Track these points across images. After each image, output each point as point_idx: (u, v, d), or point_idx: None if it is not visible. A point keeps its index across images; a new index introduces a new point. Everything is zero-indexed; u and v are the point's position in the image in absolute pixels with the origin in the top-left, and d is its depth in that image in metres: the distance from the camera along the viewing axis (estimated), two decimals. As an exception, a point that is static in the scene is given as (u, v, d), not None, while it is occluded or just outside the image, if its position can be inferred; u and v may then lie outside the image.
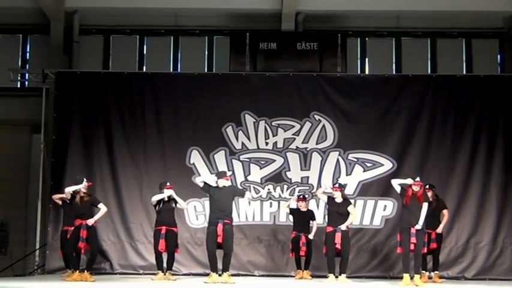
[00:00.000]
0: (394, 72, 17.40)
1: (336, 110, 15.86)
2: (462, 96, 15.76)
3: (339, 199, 13.65)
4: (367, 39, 17.81)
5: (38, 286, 12.10)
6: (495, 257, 15.36)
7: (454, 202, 15.40)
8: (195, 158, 15.79)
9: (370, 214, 15.56)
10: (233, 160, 15.77)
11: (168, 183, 13.76)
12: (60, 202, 14.24)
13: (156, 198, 13.68)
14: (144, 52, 17.87)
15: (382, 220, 15.54)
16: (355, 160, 15.70)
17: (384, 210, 15.52)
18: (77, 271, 13.12)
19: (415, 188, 12.81)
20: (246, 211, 15.51)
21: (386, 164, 15.64)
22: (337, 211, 13.54)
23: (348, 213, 13.56)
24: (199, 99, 15.91)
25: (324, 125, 15.81)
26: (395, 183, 13.21)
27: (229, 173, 13.76)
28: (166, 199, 13.67)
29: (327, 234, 13.52)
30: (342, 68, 16.37)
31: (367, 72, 17.57)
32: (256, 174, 15.72)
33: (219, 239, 12.71)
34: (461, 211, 15.45)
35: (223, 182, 12.93)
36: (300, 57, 16.42)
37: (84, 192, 13.32)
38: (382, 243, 15.46)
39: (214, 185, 12.95)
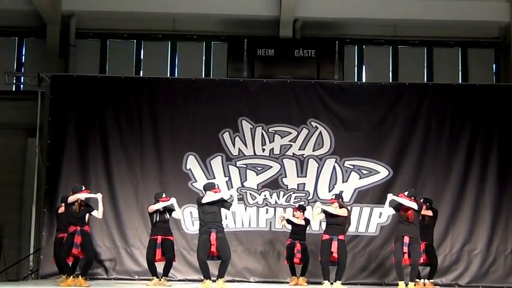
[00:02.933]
0: (390, 80, 17.49)
1: (333, 117, 15.87)
2: (458, 105, 15.82)
3: (336, 210, 13.68)
4: (364, 47, 17.90)
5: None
6: (489, 265, 15.43)
7: (448, 210, 15.49)
8: (192, 163, 15.75)
9: (366, 221, 15.57)
10: (230, 166, 15.73)
11: (164, 195, 13.76)
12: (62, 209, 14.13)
13: (154, 207, 13.67)
14: (141, 57, 17.86)
15: (377, 227, 15.56)
16: (352, 167, 15.71)
17: (380, 217, 15.52)
18: (71, 276, 13.08)
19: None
20: (242, 217, 15.48)
21: (382, 172, 15.67)
22: (335, 222, 13.56)
23: (344, 222, 13.60)
24: (196, 105, 15.88)
25: (320, 132, 15.81)
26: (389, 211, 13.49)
27: (217, 185, 13.63)
28: (161, 209, 13.66)
29: (323, 242, 13.50)
30: (339, 76, 16.43)
31: (364, 80, 17.65)
32: (253, 180, 15.68)
33: (213, 248, 12.70)
34: (455, 219, 15.50)
35: (212, 195, 12.90)
36: (298, 64, 16.48)
37: (82, 200, 13.29)
38: (377, 251, 15.48)
39: (227, 197, 13.01)
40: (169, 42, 17.89)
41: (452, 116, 15.80)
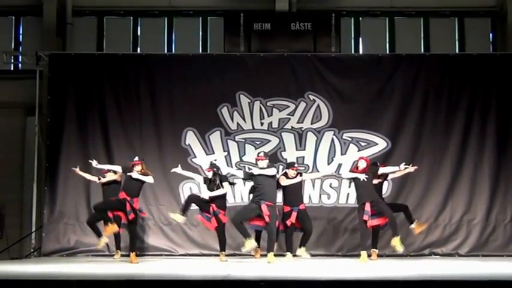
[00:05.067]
0: (387, 52, 17.42)
1: (331, 89, 15.87)
2: (455, 75, 15.79)
3: (292, 175, 13.82)
4: (360, 19, 17.78)
5: (35, 269, 12.07)
6: (488, 234, 15.48)
7: (447, 180, 15.55)
8: (191, 138, 15.79)
9: (365, 193, 15.60)
10: (228, 140, 15.78)
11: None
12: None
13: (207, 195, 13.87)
14: (138, 33, 17.81)
15: (376, 199, 15.60)
16: (350, 139, 15.73)
17: (379, 188, 15.55)
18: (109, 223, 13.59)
19: (361, 164, 13.50)
20: (241, 192, 15.44)
21: (381, 143, 15.69)
22: (293, 191, 13.73)
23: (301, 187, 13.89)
24: (194, 80, 15.88)
25: (318, 105, 15.82)
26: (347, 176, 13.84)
27: (261, 154, 13.73)
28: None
29: (284, 214, 13.66)
30: (336, 48, 16.41)
31: (361, 52, 17.58)
32: (252, 154, 15.61)
33: (260, 221, 13.15)
34: (454, 189, 15.56)
35: (261, 163, 13.22)
36: (294, 38, 16.42)
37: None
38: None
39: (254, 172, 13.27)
40: (166, 19, 17.83)
41: (450, 86, 15.77)
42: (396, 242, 13.22)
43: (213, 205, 13.66)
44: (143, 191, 15.06)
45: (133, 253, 13.57)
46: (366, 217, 13.27)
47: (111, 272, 11.55)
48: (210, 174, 13.89)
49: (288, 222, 13.52)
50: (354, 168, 13.72)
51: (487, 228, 15.49)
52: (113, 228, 13.57)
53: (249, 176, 13.50)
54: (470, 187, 15.57)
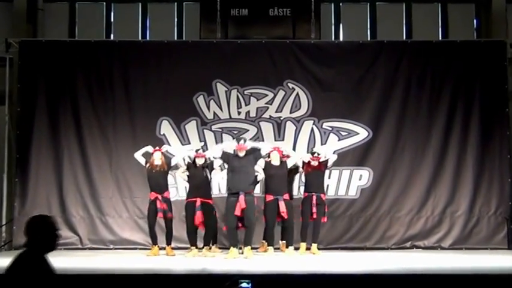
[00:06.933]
0: (369, 39, 17.07)
1: (310, 78, 15.57)
2: (438, 62, 15.54)
3: (276, 161, 13.54)
4: (341, 4, 17.36)
5: (5, 262, 11.69)
6: (471, 227, 15.29)
7: (430, 170, 15.32)
8: (166, 128, 15.46)
9: (346, 184, 15.29)
10: (205, 130, 15.45)
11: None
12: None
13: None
14: (112, 20, 17.36)
15: (357, 190, 15.34)
16: (330, 129, 15.45)
17: (360, 179, 15.32)
18: (156, 246, 13.48)
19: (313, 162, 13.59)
20: (219, 184, 15.03)
21: (362, 133, 15.42)
22: (277, 176, 13.44)
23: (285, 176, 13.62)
24: (169, 68, 15.55)
25: (297, 94, 15.52)
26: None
27: (241, 142, 13.47)
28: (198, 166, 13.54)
29: (267, 204, 13.36)
30: (315, 35, 16.05)
31: (341, 38, 17.22)
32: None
33: (238, 212, 12.77)
34: (437, 180, 15.32)
35: (241, 153, 12.94)
36: (273, 24, 16.03)
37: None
38: (358, 214, 15.27)
39: (232, 152, 12.88)
40: (140, 4, 17.37)
41: (433, 74, 15.51)
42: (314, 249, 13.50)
43: (198, 198, 13.43)
44: (117, 183, 14.79)
45: (169, 246, 13.58)
46: (314, 209, 13.47)
47: (84, 266, 11.53)
48: (201, 161, 13.61)
49: (284, 215, 13.25)
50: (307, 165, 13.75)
51: (470, 221, 15.29)
52: (155, 252, 13.47)
53: (226, 157, 13.23)
54: (453, 178, 15.35)
